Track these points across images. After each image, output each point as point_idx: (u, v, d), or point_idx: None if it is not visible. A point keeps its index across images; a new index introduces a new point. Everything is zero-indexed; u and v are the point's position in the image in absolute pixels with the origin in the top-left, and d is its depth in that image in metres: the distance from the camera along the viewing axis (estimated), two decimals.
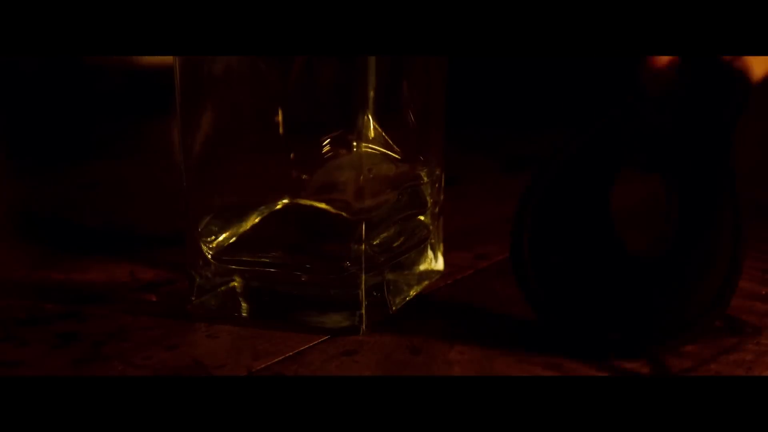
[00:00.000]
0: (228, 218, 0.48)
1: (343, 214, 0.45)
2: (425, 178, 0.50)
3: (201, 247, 0.48)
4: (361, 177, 0.46)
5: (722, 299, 0.42)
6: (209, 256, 0.48)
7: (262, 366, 0.43)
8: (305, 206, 0.46)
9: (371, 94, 0.45)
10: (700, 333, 0.42)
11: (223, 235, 0.48)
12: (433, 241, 0.52)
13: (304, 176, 0.47)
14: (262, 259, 0.48)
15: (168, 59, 0.48)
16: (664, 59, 0.42)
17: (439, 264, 0.53)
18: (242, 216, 0.47)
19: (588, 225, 0.42)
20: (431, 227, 0.52)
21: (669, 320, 0.42)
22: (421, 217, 0.51)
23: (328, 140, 0.47)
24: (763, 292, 0.51)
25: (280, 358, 0.44)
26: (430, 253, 0.52)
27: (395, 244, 0.49)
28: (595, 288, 0.42)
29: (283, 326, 0.46)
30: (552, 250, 0.43)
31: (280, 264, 0.47)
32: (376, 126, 0.46)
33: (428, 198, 0.51)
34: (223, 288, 0.48)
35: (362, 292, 0.46)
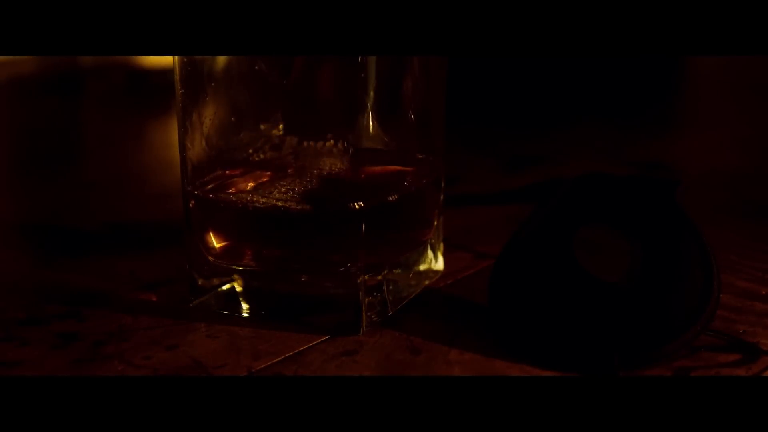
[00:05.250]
0: (227, 219, 0.48)
1: (343, 214, 0.45)
2: (425, 178, 0.50)
3: (201, 248, 0.48)
4: (362, 177, 0.46)
5: (697, 320, 0.43)
6: (209, 257, 0.48)
7: (262, 366, 0.43)
8: (305, 206, 0.46)
9: (371, 94, 0.45)
10: (676, 351, 0.43)
11: (223, 237, 0.48)
12: (433, 241, 0.52)
13: (304, 176, 0.47)
14: (262, 260, 0.48)
15: (168, 59, 0.48)
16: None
17: (439, 264, 0.53)
18: (242, 216, 0.47)
19: (556, 268, 0.45)
20: (431, 227, 0.52)
21: (636, 340, 0.42)
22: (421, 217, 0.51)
23: (329, 140, 0.47)
24: (763, 292, 0.51)
25: (280, 358, 0.44)
26: (430, 253, 0.52)
27: (395, 245, 0.49)
28: (564, 314, 0.44)
29: (283, 326, 0.46)
30: (528, 293, 0.45)
31: (280, 264, 0.47)
32: (377, 126, 0.46)
33: (428, 197, 0.51)
34: (223, 288, 0.48)
35: (362, 292, 0.46)
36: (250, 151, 0.48)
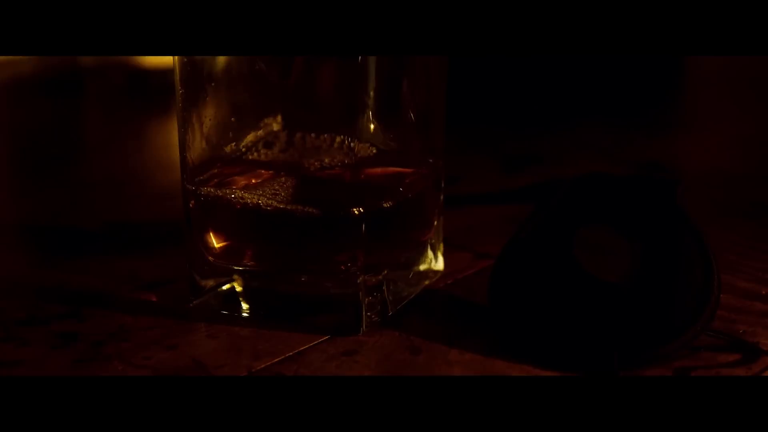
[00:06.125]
0: (227, 219, 0.48)
1: (343, 214, 0.45)
2: (426, 179, 0.50)
3: (201, 248, 0.48)
4: (362, 177, 0.46)
5: (697, 320, 0.43)
6: (209, 257, 0.48)
7: (262, 366, 0.43)
8: (305, 207, 0.46)
9: (371, 94, 0.45)
10: (676, 351, 0.43)
11: (223, 237, 0.48)
12: (433, 241, 0.52)
13: (304, 177, 0.47)
14: (262, 260, 0.48)
15: (168, 59, 0.48)
16: None
17: (439, 264, 0.53)
18: (242, 216, 0.47)
19: (556, 268, 0.45)
20: (431, 228, 0.52)
21: (636, 340, 0.42)
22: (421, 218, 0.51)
23: (329, 140, 0.47)
24: (763, 292, 0.51)
25: (280, 358, 0.44)
26: (430, 253, 0.52)
27: (395, 245, 0.49)
28: (564, 314, 0.44)
29: (283, 326, 0.46)
30: (528, 293, 0.45)
31: (280, 264, 0.47)
32: (377, 126, 0.46)
33: (429, 198, 0.51)
34: (223, 288, 0.48)
35: (362, 292, 0.46)
36: (250, 150, 0.48)
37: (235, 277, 0.48)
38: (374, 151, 0.47)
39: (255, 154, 0.48)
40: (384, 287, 0.47)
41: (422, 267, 0.51)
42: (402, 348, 0.45)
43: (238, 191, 0.46)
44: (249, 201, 0.46)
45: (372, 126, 0.46)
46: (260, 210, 0.46)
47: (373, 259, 0.46)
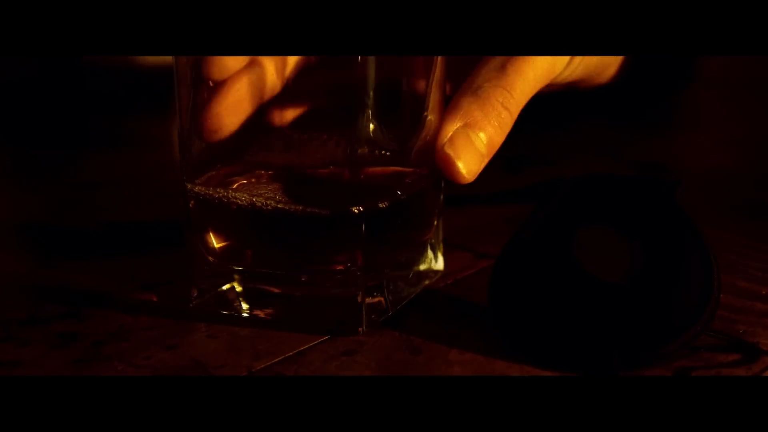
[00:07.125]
0: (227, 219, 0.48)
1: (343, 214, 0.45)
2: (426, 179, 0.50)
3: (201, 248, 0.48)
4: (361, 177, 0.46)
5: (697, 320, 0.43)
6: (209, 257, 0.48)
7: (262, 366, 0.43)
8: (305, 206, 0.46)
9: (371, 94, 0.45)
10: (676, 351, 0.43)
11: (223, 237, 0.48)
12: (433, 241, 0.52)
13: (304, 176, 0.47)
14: (262, 260, 0.48)
15: (168, 59, 0.48)
16: None
17: (439, 264, 0.53)
18: (241, 217, 0.47)
19: (556, 268, 0.45)
20: (431, 227, 0.52)
21: (636, 340, 0.42)
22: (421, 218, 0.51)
23: (328, 140, 0.47)
24: (763, 292, 0.51)
25: (280, 358, 0.44)
26: (430, 252, 0.52)
27: (395, 245, 0.49)
28: (564, 314, 0.43)
29: (283, 326, 0.46)
30: (528, 293, 0.45)
31: (280, 264, 0.47)
32: (377, 126, 0.46)
33: (428, 198, 0.51)
34: (223, 288, 0.48)
35: (362, 292, 0.46)
36: (249, 150, 0.48)
37: (235, 277, 0.48)
38: (374, 150, 0.47)
39: (256, 155, 0.48)
40: (384, 287, 0.47)
41: (422, 267, 0.51)
42: (402, 348, 0.45)
43: (237, 191, 0.46)
44: (248, 201, 0.46)
45: (372, 126, 0.46)
46: (260, 210, 0.46)
47: (373, 259, 0.46)
